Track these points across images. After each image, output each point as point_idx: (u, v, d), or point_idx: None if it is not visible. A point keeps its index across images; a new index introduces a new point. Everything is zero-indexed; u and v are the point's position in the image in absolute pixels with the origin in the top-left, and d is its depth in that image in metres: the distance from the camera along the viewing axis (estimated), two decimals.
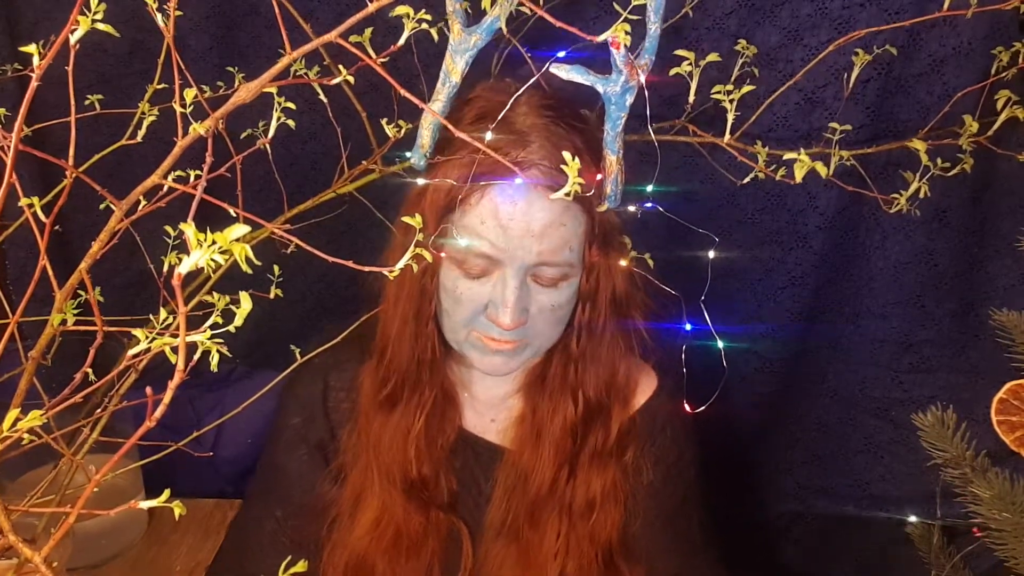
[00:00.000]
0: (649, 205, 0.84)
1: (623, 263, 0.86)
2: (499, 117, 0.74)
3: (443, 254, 0.80)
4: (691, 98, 0.86)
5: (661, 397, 0.96)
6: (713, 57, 0.84)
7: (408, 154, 0.82)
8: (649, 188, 0.84)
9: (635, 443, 0.95)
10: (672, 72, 0.83)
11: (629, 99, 0.71)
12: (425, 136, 0.79)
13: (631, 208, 0.84)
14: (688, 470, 0.98)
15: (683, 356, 0.86)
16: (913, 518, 0.98)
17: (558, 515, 0.93)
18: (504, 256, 0.78)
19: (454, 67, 0.74)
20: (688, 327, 0.85)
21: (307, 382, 0.97)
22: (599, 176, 0.78)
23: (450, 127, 0.57)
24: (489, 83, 0.84)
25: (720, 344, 0.83)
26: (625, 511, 0.95)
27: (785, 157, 0.79)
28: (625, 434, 0.94)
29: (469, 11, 0.92)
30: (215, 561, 1.10)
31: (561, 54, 0.69)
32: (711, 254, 0.91)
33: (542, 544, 0.93)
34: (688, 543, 0.99)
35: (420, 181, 0.82)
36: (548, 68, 0.66)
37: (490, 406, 0.97)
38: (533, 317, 0.82)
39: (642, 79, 0.69)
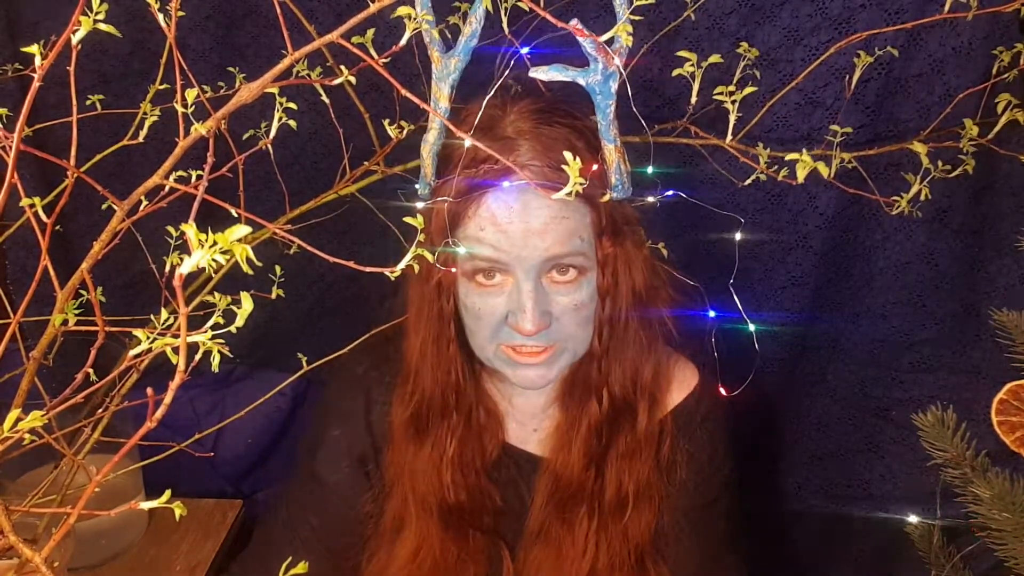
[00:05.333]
0: (670, 193, 0.83)
1: (643, 252, 0.86)
2: (475, 125, 0.75)
3: (454, 269, 0.80)
4: (693, 99, 0.86)
5: (702, 395, 0.95)
6: (715, 59, 0.84)
7: (416, 186, 0.83)
8: (650, 170, 0.83)
9: (670, 439, 0.94)
10: (675, 73, 0.83)
11: (613, 86, 0.70)
12: (428, 166, 0.80)
13: (650, 199, 0.84)
14: (718, 473, 0.97)
15: (713, 343, 0.85)
16: (913, 518, 0.98)
17: (587, 513, 0.92)
18: (511, 259, 0.78)
19: (441, 93, 0.74)
20: (712, 314, 0.84)
21: (349, 394, 0.97)
22: (595, 167, 0.78)
23: (452, 127, 0.57)
24: (483, 98, 0.84)
25: (752, 327, 0.82)
26: (659, 510, 0.94)
27: (787, 158, 0.79)
28: (658, 432, 0.93)
29: (461, 22, 0.93)
30: (238, 561, 1.10)
31: (524, 50, 0.69)
32: (738, 236, 0.91)
33: (573, 542, 0.93)
34: (711, 546, 0.98)
35: (419, 205, 0.83)
36: (518, 66, 0.66)
37: (531, 416, 0.96)
38: (558, 320, 0.82)
39: (619, 63, 0.69)
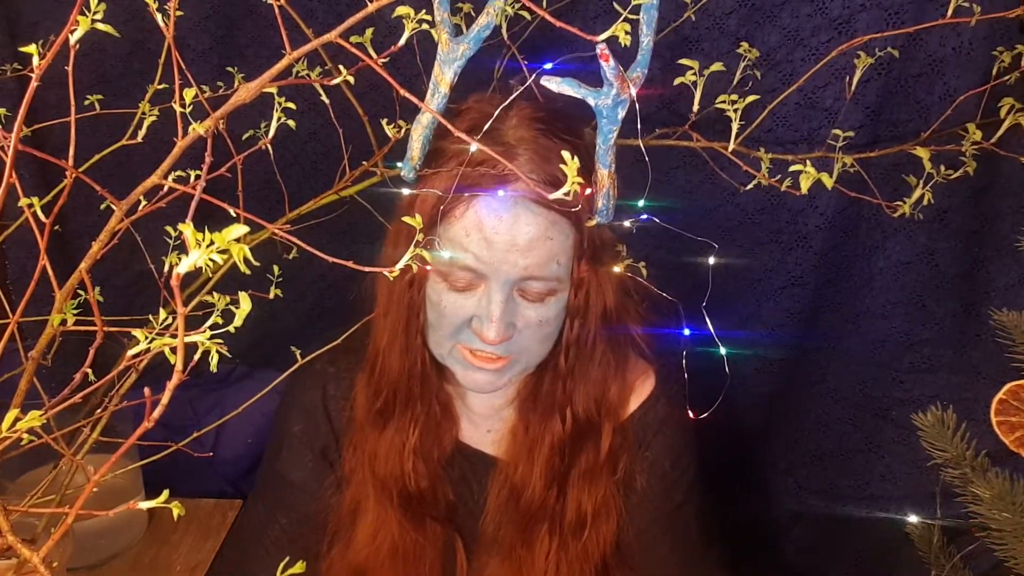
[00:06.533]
0: (644, 217, 0.83)
1: (616, 270, 0.85)
2: (484, 129, 0.73)
3: (428, 267, 0.79)
4: (695, 107, 0.86)
5: (656, 401, 0.95)
6: (717, 67, 0.83)
7: (399, 164, 0.81)
8: (641, 203, 0.83)
9: (627, 453, 0.94)
10: (676, 82, 0.83)
11: (621, 113, 0.70)
12: (415, 148, 0.78)
13: (627, 223, 0.83)
14: (684, 475, 0.97)
15: (683, 362, 0.85)
16: (913, 518, 0.98)
17: (548, 533, 0.92)
18: (489, 270, 0.77)
19: (443, 77, 0.73)
20: (687, 332, 0.84)
21: (307, 389, 0.97)
22: (588, 191, 0.77)
23: (446, 124, 0.57)
24: (482, 95, 0.83)
25: (723, 350, 0.82)
26: (618, 525, 0.94)
27: (791, 169, 0.79)
28: (617, 448, 0.92)
29: (472, 13, 0.92)
30: (213, 565, 1.10)
31: (548, 66, 0.68)
32: (711, 260, 0.90)
33: (534, 563, 0.93)
34: (687, 548, 0.98)
35: (405, 191, 0.81)
36: (536, 80, 0.65)
37: (485, 417, 0.96)
38: (520, 332, 0.81)
39: (633, 93, 0.69)
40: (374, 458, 0.92)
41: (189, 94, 0.62)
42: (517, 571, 0.94)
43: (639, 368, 0.96)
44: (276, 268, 0.90)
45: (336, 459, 0.97)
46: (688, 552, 0.98)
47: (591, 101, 0.69)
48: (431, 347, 0.86)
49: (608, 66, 0.65)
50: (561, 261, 0.79)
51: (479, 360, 0.82)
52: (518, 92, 0.70)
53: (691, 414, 0.87)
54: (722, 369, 0.84)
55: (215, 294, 0.59)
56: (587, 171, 0.77)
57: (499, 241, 0.76)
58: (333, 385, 0.96)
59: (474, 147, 0.57)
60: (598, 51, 0.59)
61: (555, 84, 0.66)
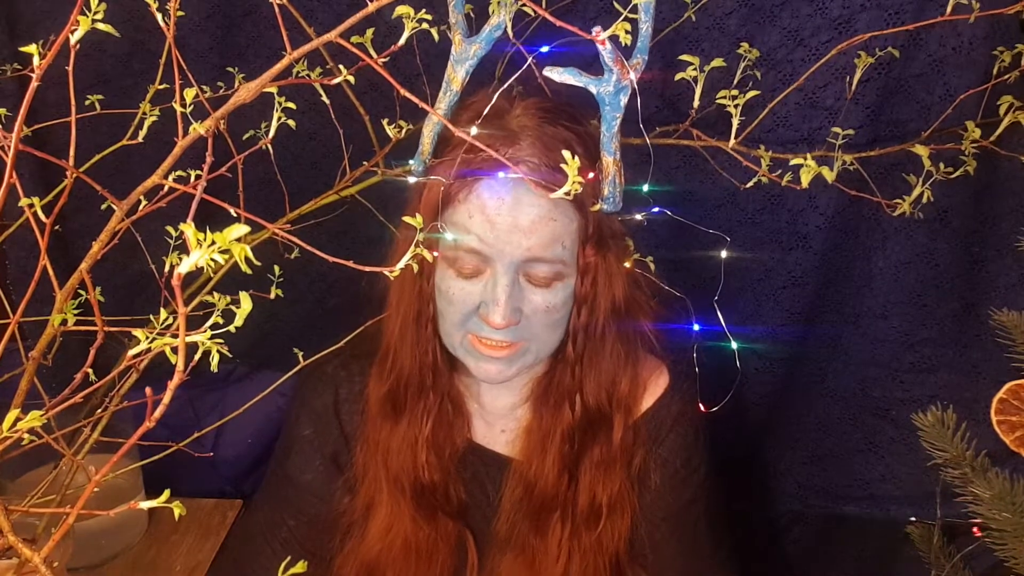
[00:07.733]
0: (656, 210, 0.83)
1: (625, 264, 0.86)
2: (484, 113, 0.75)
3: (435, 253, 0.80)
4: (695, 103, 0.86)
5: (671, 398, 0.95)
6: (718, 63, 0.84)
7: (411, 162, 0.82)
8: (645, 188, 0.83)
9: (642, 449, 0.94)
10: (677, 77, 0.83)
11: (623, 99, 0.70)
12: (426, 143, 0.80)
13: (638, 216, 0.84)
14: (696, 472, 0.97)
15: (695, 357, 0.85)
16: (913, 518, 0.98)
17: (560, 521, 0.93)
18: (492, 251, 0.78)
19: (455, 76, 0.74)
20: (696, 328, 0.84)
21: (319, 393, 0.97)
22: (591, 175, 0.78)
23: (450, 126, 0.57)
24: (490, 88, 0.84)
25: (734, 345, 0.82)
26: (632, 521, 0.94)
27: (792, 163, 0.79)
28: (631, 443, 0.93)
29: (473, 14, 0.93)
30: (214, 565, 1.10)
31: (544, 48, 0.69)
32: (723, 254, 0.91)
33: (546, 551, 0.93)
34: (695, 545, 0.98)
35: (411, 179, 0.82)
36: (532, 66, 0.66)
37: (499, 416, 0.96)
38: (527, 318, 0.82)
39: (634, 78, 0.69)
40: (387, 452, 0.92)
41: (189, 94, 0.62)
42: (530, 562, 0.94)
43: (651, 364, 0.96)
44: (277, 268, 0.90)
45: (347, 463, 0.97)
46: (695, 551, 0.98)
47: (593, 89, 0.69)
48: (443, 338, 0.87)
49: (605, 50, 0.65)
50: (566, 243, 0.80)
51: (488, 348, 0.83)
52: (518, 73, 0.71)
53: (703, 409, 0.87)
54: (727, 367, 0.84)
55: (216, 294, 0.59)
56: (592, 159, 0.79)
57: (501, 222, 0.77)
58: (346, 389, 0.97)
59: (473, 131, 0.57)
60: (593, 33, 0.60)
61: (557, 74, 0.67)
